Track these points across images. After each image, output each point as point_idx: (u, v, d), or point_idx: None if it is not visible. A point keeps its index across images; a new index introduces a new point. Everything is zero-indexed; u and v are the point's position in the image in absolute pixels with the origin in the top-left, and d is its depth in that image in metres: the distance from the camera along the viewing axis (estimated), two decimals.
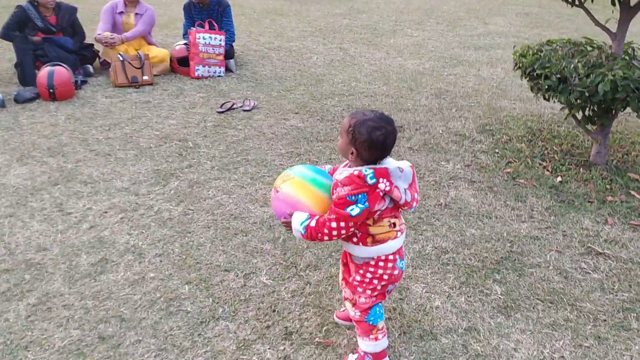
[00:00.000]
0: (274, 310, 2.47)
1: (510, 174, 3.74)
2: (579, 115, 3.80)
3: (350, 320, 2.28)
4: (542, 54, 3.70)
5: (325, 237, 1.84)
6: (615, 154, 4.05)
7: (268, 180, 3.60)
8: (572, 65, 3.46)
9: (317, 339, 2.29)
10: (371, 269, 1.95)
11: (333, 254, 2.86)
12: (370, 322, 2.04)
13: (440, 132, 4.48)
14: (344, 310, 2.37)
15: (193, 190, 3.48)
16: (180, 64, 5.94)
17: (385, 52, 7.14)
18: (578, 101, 3.53)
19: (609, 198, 3.40)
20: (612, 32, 3.71)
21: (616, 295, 2.55)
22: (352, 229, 1.83)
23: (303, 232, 1.86)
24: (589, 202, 3.37)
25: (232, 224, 3.13)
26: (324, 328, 2.36)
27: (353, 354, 2.16)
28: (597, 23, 3.72)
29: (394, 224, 1.90)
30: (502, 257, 2.83)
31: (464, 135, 4.40)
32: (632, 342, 2.27)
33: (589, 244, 2.93)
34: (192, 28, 5.91)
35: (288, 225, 1.92)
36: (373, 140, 1.78)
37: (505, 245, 2.94)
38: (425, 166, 3.86)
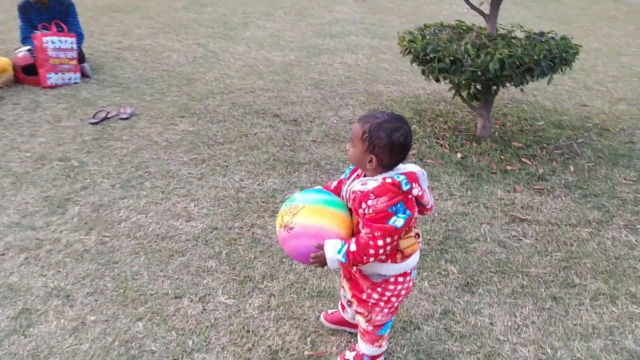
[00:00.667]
0: (248, 331, 2.30)
1: (416, 155, 3.90)
2: (464, 95, 4.08)
3: (342, 324, 2.21)
4: (429, 39, 3.89)
5: (371, 259, 1.67)
6: (493, 126, 4.43)
7: (182, 193, 3.34)
8: (462, 48, 3.69)
9: (306, 353, 2.19)
10: (391, 287, 1.82)
11: (284, 259, 2.74)
12: (379, 334, 1.98)
13: (335, 121, 4.51)
14: (333, 313, 2.27)
15: (100, 215, 3.09)
16: (27, 73, 5.21)
17: (246, 46, 6.99)
18: (468, 80, 3.77)
19: (508, 167, 3.71)
20: (486, 14, 4.02)
21: (552, 257, 2.80)
22: (395, 244, 1.69)
23: (344, 260, 1.66)
24: (492, 173, 3.65)
25: (162, 245, 2.85)
26: (308, 339, 2.26)
27: (350, 351, 2.08)
28: (472, 6, 4.00)
29: (418, 234, 1.82)
30: (443, 237, 2.94)
31: None
32: (582, 296, 2.51)
33: (511, 213, 3.18)
34: (35, 31, 5.21)
35: (318, 259, 1.70)
36: (394, 143, 1.66)
37: (441, 225, 3.06)
38: (337, 157, 3.86)
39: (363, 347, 2.03)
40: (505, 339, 2.26)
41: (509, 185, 3.49)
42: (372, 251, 1.64)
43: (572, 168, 3.72)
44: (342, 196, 1.83)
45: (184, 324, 2.32)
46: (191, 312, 2.39)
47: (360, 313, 1.94)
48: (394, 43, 6.63)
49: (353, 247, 1.65)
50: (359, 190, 1.69)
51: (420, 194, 1.69)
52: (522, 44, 3.72)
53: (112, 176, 3.52)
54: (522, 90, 3.99)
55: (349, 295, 1.98)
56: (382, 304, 1.86)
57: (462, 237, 2.95)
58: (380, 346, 2.01)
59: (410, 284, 1.87)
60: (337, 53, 6.76)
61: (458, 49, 3.69)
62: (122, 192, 3.33)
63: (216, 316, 2.37)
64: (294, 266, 2.69)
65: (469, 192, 3.40)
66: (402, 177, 1.65)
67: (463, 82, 3.80)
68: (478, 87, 4.04)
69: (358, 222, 1.74)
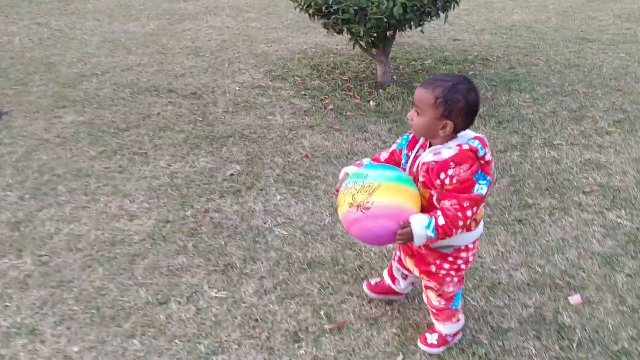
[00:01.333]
0: (257, 320, 2.17)
1: (335, 109, 3.89)
2: (363, 44, 4.11)
3: (388, 292, 2.15)
4: None
5: (460, 230, 1.59)
6: (391, 71, 4.56)
7: (109, 190, 2.99)
8: None
9: (326, 326, 2.13)
10: (463, 254, 1.74)
11: (257, 239, 2.61)
12: (454, 308, 1.90)
13: (237, 88, 4.32)
14: (377, 283, 2.19)
15: (23, 233, 2.67)
16: None
17: (94, 19, 6.35)
18: (372, 29, 3.80)
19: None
20: None
21: (500, 184, 3.00)
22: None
23: (433, 235, 1.56)
24: None
25: (115, 251, 2.55)
26: (322, 312, 2.19)
27: (431, 333, 1.96)
28: None
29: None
30: None
31: (263, 87, 4.34)
32: (541, 214, 2.75)
33: None
34: None
35: (404, 237, 1.58)
36: (470, 104, 1.58)
37: None
38: (258, 124, 3.72)
39: (442, 327, 1.92)
40: (497, 267, 2.40)
41: None
42: (461, 222, 1.57)
43: None
44: (404, 169, 1.74)
45: (185, 330, 2.12)
46: (185, 316, 2.19)
47: (430, 288, 1.86)
48: (255, 0, 6.46)
49: (441, 221, 1.56)
50: (434, 161, 1.60)
51: (490, 158, 1.63)
52: None
53: (15, 187, 3.03)
54: (422, 31, 4.12)
55: (415, 272, 1.87)
56: (452, 272, 1.78)
57: None
58: (458, 320, 1.93)
59: (476, 249, 1.81)
60: (200, 17, 6.42)
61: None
62: (36, 203, 2.89)
63: (215, 313, 2.20)
64: (270, 243, 2.57)
65: (398, 136, 3.48)
66: (476, 142, 1.59)
67: (366, 31, 3.81)
68: (374, 34, 4.09)
69: (431, 196, 1.65)
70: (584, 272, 2.34)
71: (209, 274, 2.40)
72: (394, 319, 2.14)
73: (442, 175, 1.58)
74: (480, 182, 1.58)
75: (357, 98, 4.04)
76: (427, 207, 1.66)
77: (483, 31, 5.63)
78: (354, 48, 4.20)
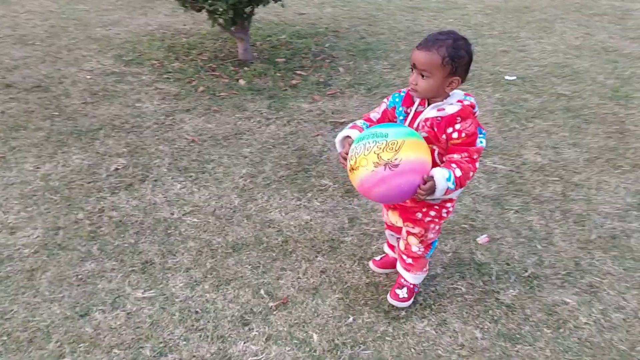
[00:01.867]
0: (197, 312, 2.08)
1: (207, 91, 3.76)
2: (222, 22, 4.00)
3: (394, 266, 2.14)
4: None
5: (469, 181, 1.68)
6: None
7: None
8: None
9: (270, 304, 2.11)
10: (448, 204, 1.85)
11: (169, 231, 2.47)
12: (427, 257, 2.02)
13: (89, 77, 3.96)
14: (382, 258, 2.23)
15: None
16: None
17: None
18: (234, 5, 3.73)
19: (293, 82, 3.91)
20: None
21: None
22: None
23: (453, 186, 1.62)
24: (284, 90, 3.80)
25: (6, 270, 2.24)
26: (262, 291, 2.17)
27: (400, 288, 2.04)
28: None
29: None
30: (298, 162, 3.03)
31: (119, 73, 4.03)
32: None
33: (330, 120, 3.43)
34: None
35: (427, 191, 1.61)
36: (471, 57, 1.66)
37: (291, 151, 3.13)
38: (128, 114, 3.46)
39: (412, 277, 2.01)
40: None
41: (306, 97, 3.71)
42: (471, 173, 1.66)
43: (341, 69, 4.13)
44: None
45: (120, 338, 1.95)
46: (116, 323, 2.01)
47: (413, 234, 1.92)
48: None
49: (458, 173, 1.62)
50: (439, 116, 1.65)
51: (478, 113, 1.74)
52: None
53: None
54: (282, 5, 4.13)
55: (399, 223, 1.94)
56: (437, 219, 1.87)
57: (311, 154, 3.08)
58: (426, 270, 2.04)
59: (456, 201, 1.94)
60: (12, 1, 5.69)
61: None
62: None
63: (149, 314, 2.05)
64: (185, 234, 2.45)
65: (281, 113, 3.50)
66: (472, 99, 1.70)
67: (227, 8, 3.72)
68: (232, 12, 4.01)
69: (433, 151, 1.70)
70: (482, 214, 2.61)
71: (127, 275, 2.22)
72: (333, 285, 2.19)
73: (449, 130, 1.64)
74: (480, 135, 1.70)
75: (225, 78, 3.95)
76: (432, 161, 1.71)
77: (323, 4, 5.81)
78: (213, 26, 4.07)
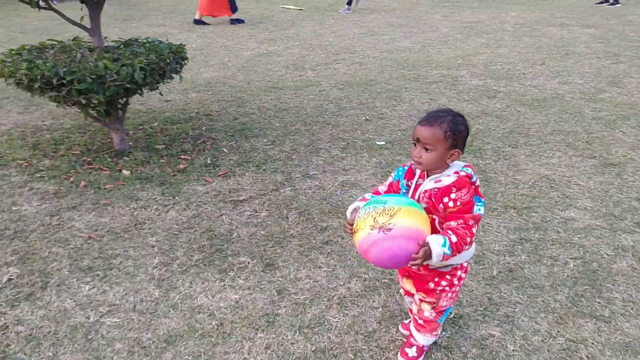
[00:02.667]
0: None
1: (90, 185, 3.59)
2: (95, 114, 3.91)
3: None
4: (51, 61, 3.54)
5: (467, 247, 1.75)
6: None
7: None
8: (101, 64, 3.55)
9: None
10: (458, 272, 1.94)
11: (89, 336, 2.30)
12: (440, 322, 2.09)
13: None
14: (409, 322, 2.22)
15: None
16: None
17: None
18: (112, 96, 3.68)
19: (180, 166, 3.90)
20: (89, 28, 3.93)
21: (299, 218, 3.29)
22: None
23: (449, 252, 1.69)
24: (174, 175, 3.76)
25: None
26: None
27: (409, 347, 2.13)
28: (73, 22, 3.83)
29: None
30: (212, 249, 3.01)
31: None
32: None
33: (228, 199, 3.45)
34: None
35: (422, 257, 1.67)
36: (468, 131, 1.81)
37: (202, 234, 3.09)
38: (6, 218, 3.18)
39: (422, 339, 2.10)
40: (332, 285, 2.66)
41: (198, 180, 3.71)
42: (468, 239, 1.73)
43: (225, 150, 4.21)
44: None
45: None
46: None
47: (428, 302, 2.01)
48: None
49: (454, 239, 1.70)
50: (436, 188, 1.76)
51: (478, 184, 1.85)
52: (148, 50, 3.86)
53: None
54: (160, 93, 4.13)
55: (414, 290, 2.03)
56: (448, 288, 1.96)
57: (221, 234, 3.07)
58: (437, 334, 2.14)
59: (468, 267, 2.01)
60: None
61: (97, 66, 3.53)
62: None
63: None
64: (107, 336, 2.29)
65: (177, 198, 3.45)
66: (469, 170, 1.81)
67: (104, 100, 3.66)
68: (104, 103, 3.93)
69: (433, 220, 1.80)
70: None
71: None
72: (281, 358, 2.18)
73: (445, 200, 1.75)
74: (477, 203, 1.80)
75: (105, 170, 3.81)
76: (431, 231, 1.79)
77: (186, 90, 5.90)
78: (86, 119, 3.93)
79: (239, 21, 10.38)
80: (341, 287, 2.61)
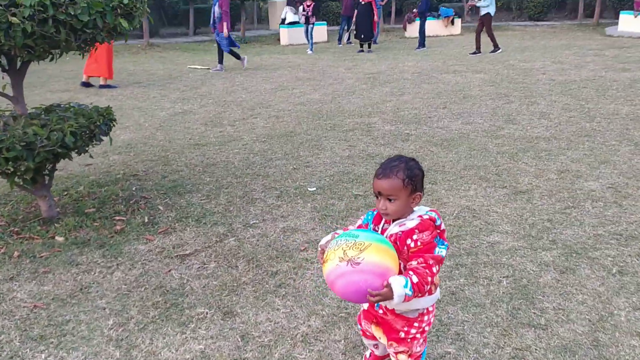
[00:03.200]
0: None
1: (24, 255, 3.47)
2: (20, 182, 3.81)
3: None
4: None
5: (428, 287, 1.77)
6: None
7: None
8: (31, 131, 3.50)
9: None
10: (426, 317, 1.97)
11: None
12: None
13: None
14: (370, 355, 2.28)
15: None
16: None
17: None
18: (42, 162, 3.62)
19: (117, 227, 3.85)
20: (12, 96, 3.88)
21: (249, 266, 3.36)
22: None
23: (410, 293, 1.71)
24: (111, 237, 3.71)
25: None
26: None
27: None
28: None
29: None
30: (164, 308, 3.01)
31: None
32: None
33: (174, 255, 3.47)
34: None
35: (382, 295, 1.70)
36: (423, 172, 1.89)
37: (156, 295, 3.08)
38: None
39: None
40: (292, 324, 2.76)
41: (138, 240, 3.69)
42: (429, 279, 1.75)
43: (161, 208, 4.21)
44: None
45: None
46: None
47: (401, 352, 2.01)
48: None
49: (415, 279, 1.72)
50: (400, 231, 1.83)
51: (444, 228, 1.90)
52: (75, 114, 3.85)
53: None
54: (91, 156, 4.09)
55: (384, 341, 2.03)
56: (418, 335, 1.98)
57: (173, 289, 3.08)
58: None
59: (434, 311, 2.04)
60: None
61: (27, 132, 3.48)
62: None
63: None
64: None
65: (120, 259, 3.42)
66: (433, 214, 1.87)
67: (34, 166, 3.59)
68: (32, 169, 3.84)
69: (400, 264, 1.83)
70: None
71: None
72: None
73: (408, 241, 1.81)
74: (440, 246, 1.84)
75: (37, 238, 3.69)
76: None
77: (106, 153, 5.82)
78: (12, 188, 3.82)
79: (110, 87, 10.21)
80: (302, 326, 2.71)
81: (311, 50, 16.09)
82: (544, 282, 3.05)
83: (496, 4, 14.26)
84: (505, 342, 2.55)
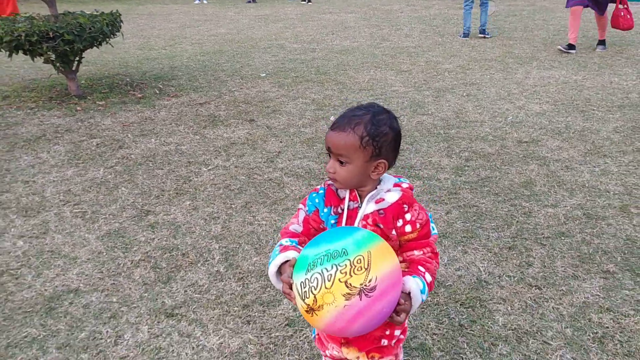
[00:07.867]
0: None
1: (84, 110, 4.94)
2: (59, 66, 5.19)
3: None
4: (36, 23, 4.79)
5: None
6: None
7: None
8: (76, 22, 4.91)
9: None
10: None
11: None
12: None
13: None
14: None
15: None
16: None
17: None
18: (84, 46, 5.05)
19: (138, 95, 5.39)
20: (49, 1, 5.21)
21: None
22: None
23: (426, 296, 1.33)
24: (140, 98, 5.28)
25: None
26: None
27: None
28: None
29: None
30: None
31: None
32: None
33: (197, 102, 5.15)
34: None
35: (408, 311, 1.28)
36: (397, 133, 1.34)
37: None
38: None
39: None
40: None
41: (161, 100, 5.28)
42: (437, 271, 1.40)
43: (161, 86, 5.78)
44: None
45: None
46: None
47: None
48: None
49: (429, 278, 1.34)
50: (380, 209, 1.35)
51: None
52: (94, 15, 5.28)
53: None
54: (111, 45, 5.53)
55: (363, 357, 1.49)
56: (403, 336, 1.53)
57: (207, 115, 4.80)
58: None
59: None
60: None
61: (79, 22, 4.91)
62: None
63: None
64: None
65: (157, 107, 5.02)
66: (406, 179, 1.43)
67: (81, 49, 5.02)
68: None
69: None
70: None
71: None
72: None
73: (400, 223, 1.36)
74: (431, 221, 1.43)
75: (79, 110, 5.07)
76: None
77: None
78: (58, 73, 5.19)
79: None
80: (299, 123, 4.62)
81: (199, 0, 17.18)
82: (428, 101, 5.23)
83: None
84: None
